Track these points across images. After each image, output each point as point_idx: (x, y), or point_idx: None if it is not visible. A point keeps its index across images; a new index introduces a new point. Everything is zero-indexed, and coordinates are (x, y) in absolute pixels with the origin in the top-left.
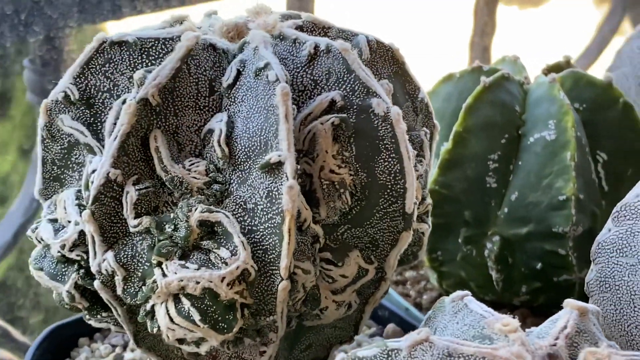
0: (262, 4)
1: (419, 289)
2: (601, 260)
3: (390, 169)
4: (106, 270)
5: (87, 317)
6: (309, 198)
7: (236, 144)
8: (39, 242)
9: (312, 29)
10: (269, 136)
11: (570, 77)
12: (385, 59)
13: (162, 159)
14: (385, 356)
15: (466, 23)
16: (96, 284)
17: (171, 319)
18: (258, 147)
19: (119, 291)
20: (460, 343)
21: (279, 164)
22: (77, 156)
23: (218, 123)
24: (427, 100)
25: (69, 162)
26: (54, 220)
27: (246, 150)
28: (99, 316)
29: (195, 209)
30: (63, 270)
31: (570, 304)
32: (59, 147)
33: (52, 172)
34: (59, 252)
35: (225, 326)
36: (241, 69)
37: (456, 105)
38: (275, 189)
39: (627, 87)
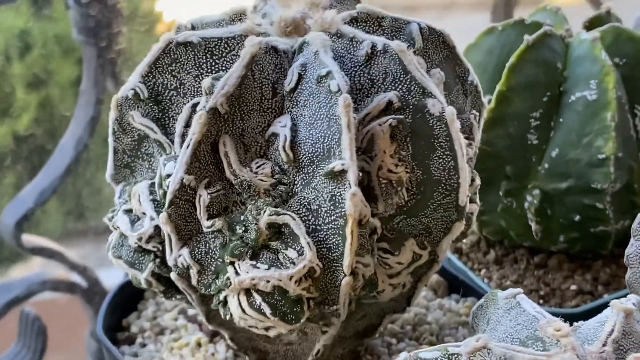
0: None
1: None
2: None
3: (444, 165)
4: (182, 264)
5: (163, 297)
6: (367, 193)
7: (300, 149)
8: (115, 229)
9: (367, 19)
10: (332, 144)
11: (611, 32)
12: (437, 45)
13: (231, 163)
14: None
15: None
16: (173, 275)
17: (243, 310)
18: (321, 154)
19: (193, 282)
20: (516, 350)
21: (342, 172)
22: (146, 147)
23: (282, 128)
24: (477, 82)
25: (139, 153)
26: (129, 211)
27: (310, 155)
28: (173, 298)
29: (264, 212)
30: (140, 259)
31: (616, 305)
32: (130, 139)
33: (123, 160)
34: (136, 243)
35: (294, 317)
36: (302, 73)
37: (498, 58)
38: (339, 194)
39: None
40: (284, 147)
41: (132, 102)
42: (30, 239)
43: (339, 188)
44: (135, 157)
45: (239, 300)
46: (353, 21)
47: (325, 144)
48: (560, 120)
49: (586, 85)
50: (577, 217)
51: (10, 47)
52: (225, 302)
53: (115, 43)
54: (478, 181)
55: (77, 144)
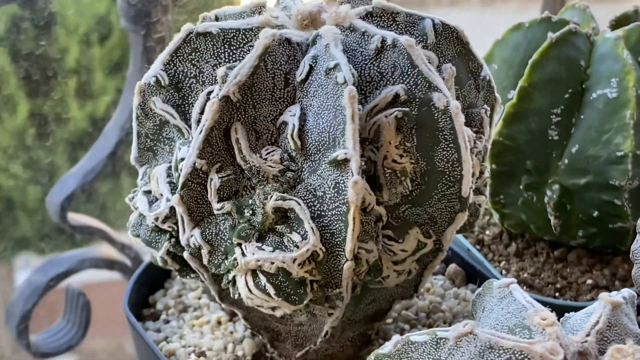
0: None
1: (482, 224)
2: None
3: (448, 157)
4: (194, 244)
5: (179, 275)
6: (373, 182)
7: (307, 137)
8: (135, 209)
9: (381, 15)
10: (337, 134)
11: (636, 30)
12: (450, 41)
13: (242, 149)
14: (435, 343)
15: None
16: (185, 254)
17: (250, 290)
18: (327, 142)
19: (204, 262)
20: (501, 336)
21: (346, 161)
22: (167, 132)
23: (292, 117)
24: (490, 77)
25: (160, 137)
26: (148, 192)
27: (316, 143)
28: (187, 277)
29: (271, 197)
30: (157, 238)
31: (604, 297)
32: (152, 124)
33: (146, 143)
34: (153, 222)
35: (297, 299)
36: (313, 65)
37: (524, 54)
38: (342, 182)
39: None
40: (292, 135)
41: (154, 88)
42: (75, 217)
43: (342, 176)
44: (157, 141)
45: (245, 280)
46: (368, 16)
47: (331, 134)
48: (582, 117)
49: (607, 83)
50: (596, 213)
51: (91, 32)
52: (234, 282)
53: (155, 31)
54: (487, 174)
55: (120, 130)
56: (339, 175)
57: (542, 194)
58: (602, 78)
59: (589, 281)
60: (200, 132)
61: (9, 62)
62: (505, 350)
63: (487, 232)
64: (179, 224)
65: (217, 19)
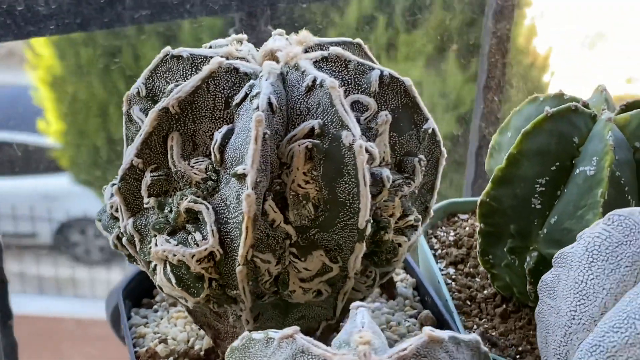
0: (306, 33)
1: (484, 283)
2: (540, 296)
3: (349, 190)
4: (129, 232)
5: (128, 261)
6: (285, 203)
7: (226, 153)
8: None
9: (335, 60)
10: (244, 152)
11: (637, 116)
12: (397, 92)
13: (173, 155)
14: (266, 342)
15: None
16: (124, 240)
17: (160, 278)
18: (237, 159)
19: (138, 249)
20: (314, 344)
21: (244, 175)
22: None
23: (218, 133)
24: (434, 130)
25: None
26: (113, 184)
27: (231, 159)
28: (135, 263)
29: (186, 198)
30: (112, 224)
31: (425, 331)
32: (135, 129)
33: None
34: (109, 210)
35: (195, 291)
36: (248, 92)
37: None
38: (241, 194)
39: None
40: (213, 148)
41: (136, 98)
42: None
43: (242, 189)
44: None
45: (159, 268)
46: (323, 60)
47: (241, 151)
48: (565, 190)
49: (589, 161)
50: None
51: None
52: (155, 269)
53: None
54: (412, 217)
55: None
56: (240, 188)
57: (523, 259)
58: (587, 156)
59: None
60: (140, 135)
61: None
62: (313, 357)
63: (485, 292)
64: (119, 212)
65: (210, 47)
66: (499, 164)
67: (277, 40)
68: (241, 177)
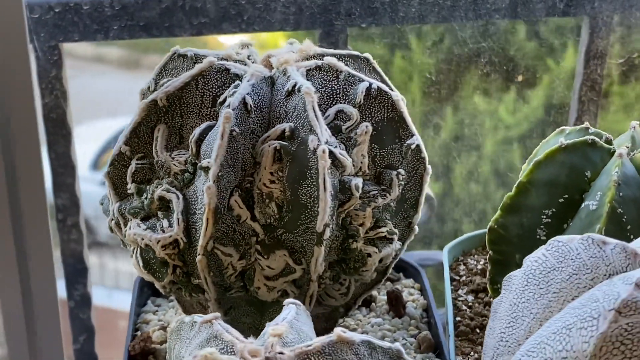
0: (309, 43)
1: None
2: (491, 318)
3: (310, 193)
4: (115, 216)
5: (122, 246)
6: (252, 200)
7: (202, 146)
8: None
9: (328, 70)
10: (213, 146)
11: None
12: (383, 105)
13: (157, 146)
14: (191, 325)
15: None
16: (112, 224)
17: (134, 261)
18: (207, 153)
19: (123, 232)
20: (229, 331)
21: (208, 168)
22: None
23: (198, 129)
24: (419, 146)
25: None
26: None
27: (204, 152)
28: (127, 247)
29: (160, 187)
30: (108, 209)
31: (336, 331)
32: None
33: None
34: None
35: (160, 276)
36: (231, 92)
37: None
38: (205, 186)
39: None
40: (191, 142)
41: (147, 93)
42: None
43: (206, 181)
44: None
45: (133, 251)
46: (317, 69)
47: (210, 146)
48: (571, 224)
49: (594, 196)
50: None
51: None
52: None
53: None
54: (386, 229)
55: None
56: (205, 180)
57: None
58: (594, 191)
59: None
60: (130, 124)
61: None
62: (223, 342)
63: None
64: (108, 196)
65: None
66: None
67: (285, 48)
68: (206, 170)
